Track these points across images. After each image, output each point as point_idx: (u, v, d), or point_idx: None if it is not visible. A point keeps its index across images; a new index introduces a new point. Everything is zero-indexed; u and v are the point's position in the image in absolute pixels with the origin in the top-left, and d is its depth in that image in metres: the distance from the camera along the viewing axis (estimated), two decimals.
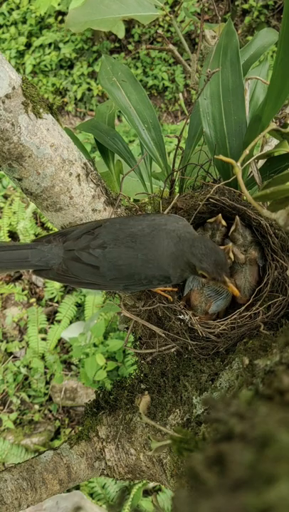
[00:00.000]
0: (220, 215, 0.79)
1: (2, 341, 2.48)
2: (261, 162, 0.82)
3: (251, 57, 0.92)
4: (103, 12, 1.00)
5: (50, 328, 2.45)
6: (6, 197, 2.77)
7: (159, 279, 0.65)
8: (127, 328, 0.85)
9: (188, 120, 0.88)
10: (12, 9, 3.34)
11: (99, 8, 1.00)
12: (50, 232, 2.61)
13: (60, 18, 3.29)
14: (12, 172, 0.66)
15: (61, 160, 0.68)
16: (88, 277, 0.67)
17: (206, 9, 3.12)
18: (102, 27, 0.99)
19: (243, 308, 0.76)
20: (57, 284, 2.50)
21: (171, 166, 0.86)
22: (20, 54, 3.31)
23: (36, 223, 2.69)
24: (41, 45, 3.24)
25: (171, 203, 0.79)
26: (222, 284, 0.63)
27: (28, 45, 3.32)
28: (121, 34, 1.99)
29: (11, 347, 2.44)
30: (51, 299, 2.56)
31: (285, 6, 0.58)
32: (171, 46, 1.06)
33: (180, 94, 3.07)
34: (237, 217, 0.77)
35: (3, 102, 0.60)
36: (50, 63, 3.22)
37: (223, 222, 0.79)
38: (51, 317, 2.52)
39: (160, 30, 2.93)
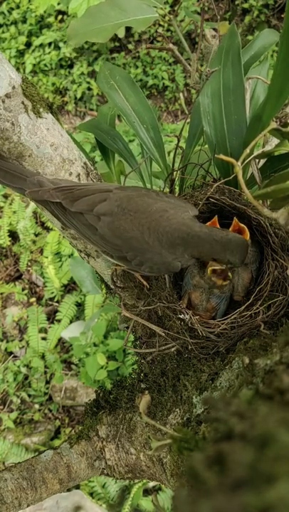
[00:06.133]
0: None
1: (2, 341, 2.48)
2: (261, 162, 0.82)
3: (252, 57, 0.92)
4: (102, 20, 0.99)
5: (50, 327, 2.45)
6: (6, 196, 2.77)
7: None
8: (127, 328, 0.85)
9: (189, 119, 0.88)
10: (12, 8, 3.33)
11: (98, 16, 0.99)
12: (51, 231, 2.62)
13: (60, 17, 3.28)
14: None
15: (61, 159, 0.68)
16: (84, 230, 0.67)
17: (206, 8, 3.11)
18: (99, 38, 0.97)
19: (243, 307, 0.76)
20: (57, 284, 2.49)
21: (171, 166, 0.85)
22: (20, 53, 3.30)
23: (36, 223, 2.69)
24: (41, 45, 3.24)
25: None
26: None
27: (28, 45, 3.31)
28: (121, 33, 1.99)
29: (11, 346, 2.44)
30: (51, 299, 2.56)
31: (287, 6, 0.58)
32: (171, 45, 1.06)
33: (180, 94, 3.07)
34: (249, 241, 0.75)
35: (3, 102, 0.60)
36: (50, 62, 3.21)
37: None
38: (51, 316, 2.52)
39: (160, 30, 2.93)
